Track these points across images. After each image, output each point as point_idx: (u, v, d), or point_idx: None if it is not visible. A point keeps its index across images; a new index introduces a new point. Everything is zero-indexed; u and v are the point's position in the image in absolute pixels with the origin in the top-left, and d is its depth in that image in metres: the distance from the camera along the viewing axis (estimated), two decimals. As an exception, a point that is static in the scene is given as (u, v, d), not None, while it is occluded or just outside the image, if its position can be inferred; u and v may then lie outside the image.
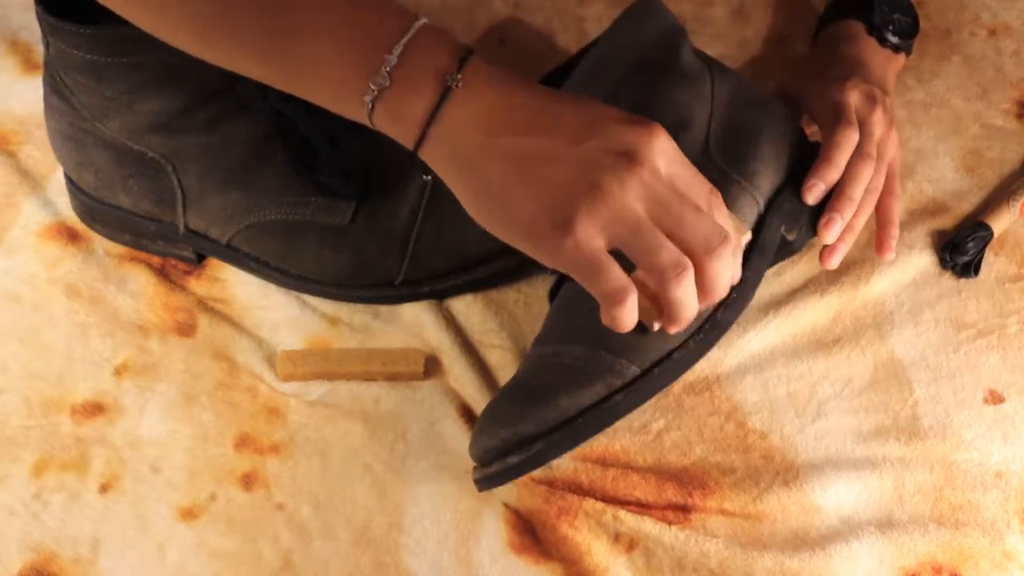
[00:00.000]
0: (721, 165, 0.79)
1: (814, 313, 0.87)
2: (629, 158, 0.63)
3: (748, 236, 0.74)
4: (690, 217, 0.64)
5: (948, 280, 0.90)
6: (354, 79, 0.65)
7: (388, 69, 0.64)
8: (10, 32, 1.03)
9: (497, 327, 0.87)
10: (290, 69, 0.67)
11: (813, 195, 0.83)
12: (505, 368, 0.85)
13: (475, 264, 0.87)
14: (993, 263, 0.91)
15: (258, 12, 0.66)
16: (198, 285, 0.89)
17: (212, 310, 0.88)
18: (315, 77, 0.66)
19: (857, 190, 0.85)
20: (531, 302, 0.89)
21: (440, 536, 0.78)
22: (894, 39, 0.96)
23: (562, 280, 0.83)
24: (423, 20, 0.65)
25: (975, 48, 1.04)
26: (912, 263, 0.91)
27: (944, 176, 0.96)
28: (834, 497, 0.79)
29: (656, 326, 0.69)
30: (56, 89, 0.85)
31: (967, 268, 0.90)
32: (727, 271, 0.66)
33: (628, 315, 0.64)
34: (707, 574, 0.76)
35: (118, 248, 0.90)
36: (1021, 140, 0.98)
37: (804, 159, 0.84)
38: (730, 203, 0.79)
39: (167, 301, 0.88)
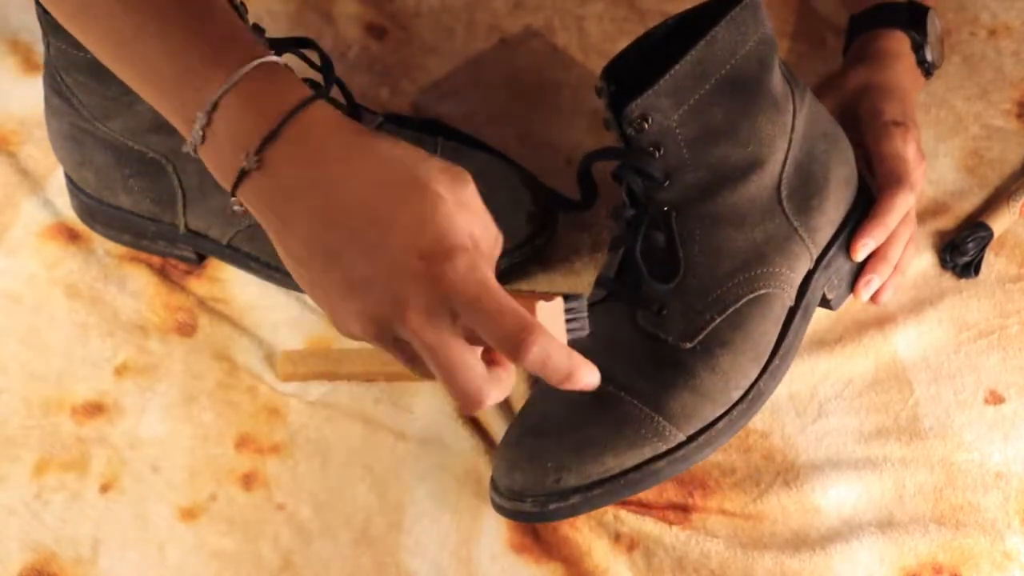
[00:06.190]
0: (790, 217, 0.80)
1: (816, 313, 0.87)
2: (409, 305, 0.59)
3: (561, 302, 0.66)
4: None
5: (949, 280, 0.90)
6: (179, 122, 0.63)
7: (200, 127, 0.62)
8: (10, 32, 1.03)
9: (497, 327, 0.87)
10: (136, 76, 0.65)
11: (862, 254, 0.85)
12: (505, 368, 0.85)
13: (475, 264, 0.87)
14: (993, 263, 0.90)
15: (108, 15, 0.63)
16: (198, 285, 0.89)
17: (212, 310, 0.88)
18: (155, 90, 0.64)
19: (897, 251, 0.87)
20: (531, 302, 0.89)
21: (440, 536, 0.78)
22: (930, 59, 0.95)
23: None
24: (252, 65, 0.61)
25: (975, 48, 1.04)
26: (913, 263, 0.90)
27: (944, 176, 0.95)
28: (835, 497, 0.79)
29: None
30: (56, 89, 0.85)
31: (967, 268, 0.90)
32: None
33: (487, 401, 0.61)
34: (707, 574, 0.76)
35: (118, 248, 0.90)
36: (1021, 140, 0.98)
37: (856, 207, 0.85)
38: (790, 258, 0.80)
39: (167, 301, 0.88)
